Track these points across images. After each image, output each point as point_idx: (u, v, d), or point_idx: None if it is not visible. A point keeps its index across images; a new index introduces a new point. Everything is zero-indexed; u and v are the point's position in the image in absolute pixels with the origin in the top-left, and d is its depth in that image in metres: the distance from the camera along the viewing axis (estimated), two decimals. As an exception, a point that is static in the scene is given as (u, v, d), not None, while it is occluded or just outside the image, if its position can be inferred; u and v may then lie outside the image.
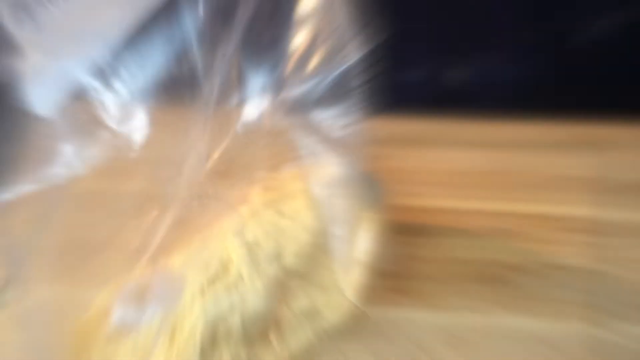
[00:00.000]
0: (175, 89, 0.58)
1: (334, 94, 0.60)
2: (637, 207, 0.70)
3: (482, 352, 0.59)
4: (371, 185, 0.67)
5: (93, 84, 0.56)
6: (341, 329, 0.61)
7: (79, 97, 0.57)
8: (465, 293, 0.63)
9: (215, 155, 0.60)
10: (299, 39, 0.60)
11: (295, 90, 0.60)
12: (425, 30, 0.85)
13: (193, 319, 0.58)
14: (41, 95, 0.55)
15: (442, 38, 0.85)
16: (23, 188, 0.55)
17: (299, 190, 0.65)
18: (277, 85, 0.60)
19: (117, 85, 0.57)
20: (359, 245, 0.64)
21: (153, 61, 0.57)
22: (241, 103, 0.59)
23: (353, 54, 0.60)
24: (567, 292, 0.63)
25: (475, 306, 0.62)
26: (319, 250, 0.62)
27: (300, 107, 0.60)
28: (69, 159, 0.56)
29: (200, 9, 0.57)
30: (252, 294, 0.59)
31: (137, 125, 0.58)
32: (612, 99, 0.85)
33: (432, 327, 0.61)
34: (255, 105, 0.60)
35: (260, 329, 0.59)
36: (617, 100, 0.85)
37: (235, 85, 0.59)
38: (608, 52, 0.83)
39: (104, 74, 0.57)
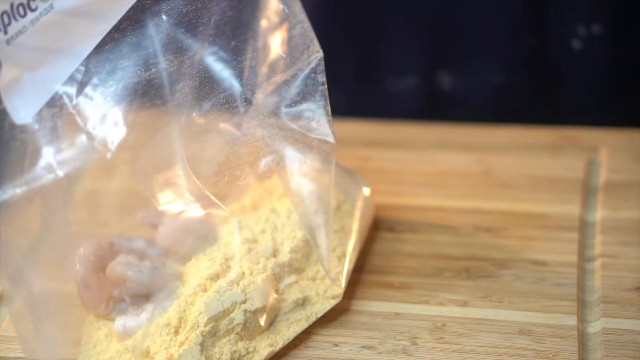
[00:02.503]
0: (147, 92, 0.59)
1: (306, 94, 0.61)
2: (622, 206, 0.70)
3: (469, 345, 0.59)
4: (353, 182, 0.68)
5: (67, 91, 0.57)
6: (332, 321, 0.61)
7: (55, 105, 0.58)
8: (451, 288, 0.64)
9: (196, 157, 0.60)
10: (267, 45, 0.61)
11: (268, 95, 0.61)
12: (416, 39, 0.86)
13: (195, 315, 0.58)
14: (20, 105, 0.56)
15: (434, 47, 0.86)
16: (8, 191, 0.56)
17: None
18: (250, 91, 0.61)
19: (89, 91, 0.58)
20: (346, 240, 0.65)
21: (122, 67, 0.58)
22: (215, 108, 0.60)
23: (318, 54, 0.61)
24: (552, 287, 0.63)
25: (462, 300, 0.63)
26: (312, 246, 0.63)
27: (274, 110, 0.61)
28: (50, 163, 0.57)
29: (164, 16, 0.58)
30: (254, 290, 0.59)
31: (112, 128, 0.59)
32: (598, 107, 0.86)
33: (419, 320, 0.61)
34: (231, 111, 0.61)
35: (259, 323, 0.59)
36: (603, 108, 0.86)
37: (206, 89, 0.60)
38: (590, 61, 0.84)
39: (76, 82, 0.58)
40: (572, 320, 0.61)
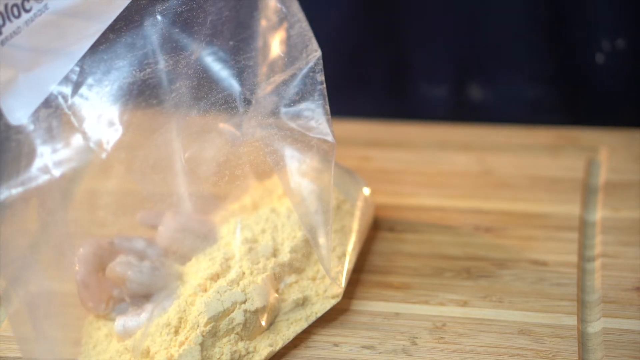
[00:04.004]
0: (142, 92, 0.59)
1: (305, 94, 0.61)
2: (622, 206, 0.70)
3: (469, 345, 0.59)
4: (353, 181, 0.68)
5: (63, 92, 0.57)
6: (332, 321, 0.61)
7: (51, 105, 0.58)
8: (451, 288, 0.64)
9: (195, 156, 0.60)
10: (266, 44, 0.61)
11: (267, 94, 0.61)
12: (444, 48, 0.85)
13: (195, 315, 0.58)
14: (15, 106, 0.56)
15: (461, 55, 0.86)
16: (4, 192, 0.56)
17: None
18: (248, 91, 0.61)
19: (85, 91, 0.58)
20: (346, 240, 0.65)
21: (117, 68, 0.58)
22: (214, 108, 0.60)
23: (316, 53, 0.61)
24: (552, 287, 0.63)
25: (462, 300, 0.63)
26: (312, 246, 0.63)
27: (273, 110, 0.61)
28: (45, 163, 0.58)
29: (159, 17, 0.58)
30: (254, 290, 0.59)
31: (108, 128, 0.59)
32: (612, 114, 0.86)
33: (419, 320, 0.61)
34: (230, 111, 0.61)
35: (259, 323, 0.59)
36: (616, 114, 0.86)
37: (204, 89, 0.60)
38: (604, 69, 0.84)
39: (72, 82, 0.58)
40: (572, 320, 0.61)
